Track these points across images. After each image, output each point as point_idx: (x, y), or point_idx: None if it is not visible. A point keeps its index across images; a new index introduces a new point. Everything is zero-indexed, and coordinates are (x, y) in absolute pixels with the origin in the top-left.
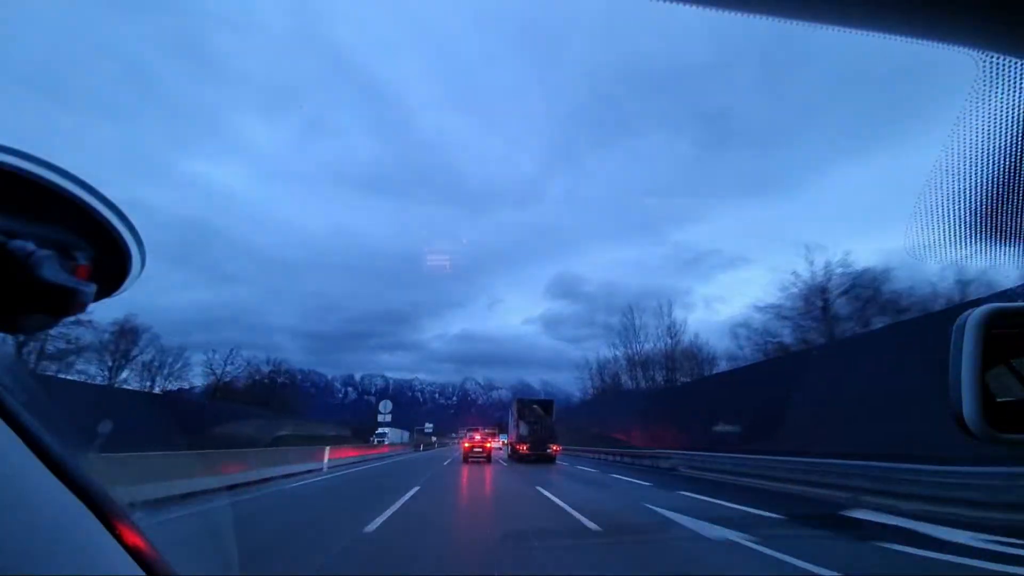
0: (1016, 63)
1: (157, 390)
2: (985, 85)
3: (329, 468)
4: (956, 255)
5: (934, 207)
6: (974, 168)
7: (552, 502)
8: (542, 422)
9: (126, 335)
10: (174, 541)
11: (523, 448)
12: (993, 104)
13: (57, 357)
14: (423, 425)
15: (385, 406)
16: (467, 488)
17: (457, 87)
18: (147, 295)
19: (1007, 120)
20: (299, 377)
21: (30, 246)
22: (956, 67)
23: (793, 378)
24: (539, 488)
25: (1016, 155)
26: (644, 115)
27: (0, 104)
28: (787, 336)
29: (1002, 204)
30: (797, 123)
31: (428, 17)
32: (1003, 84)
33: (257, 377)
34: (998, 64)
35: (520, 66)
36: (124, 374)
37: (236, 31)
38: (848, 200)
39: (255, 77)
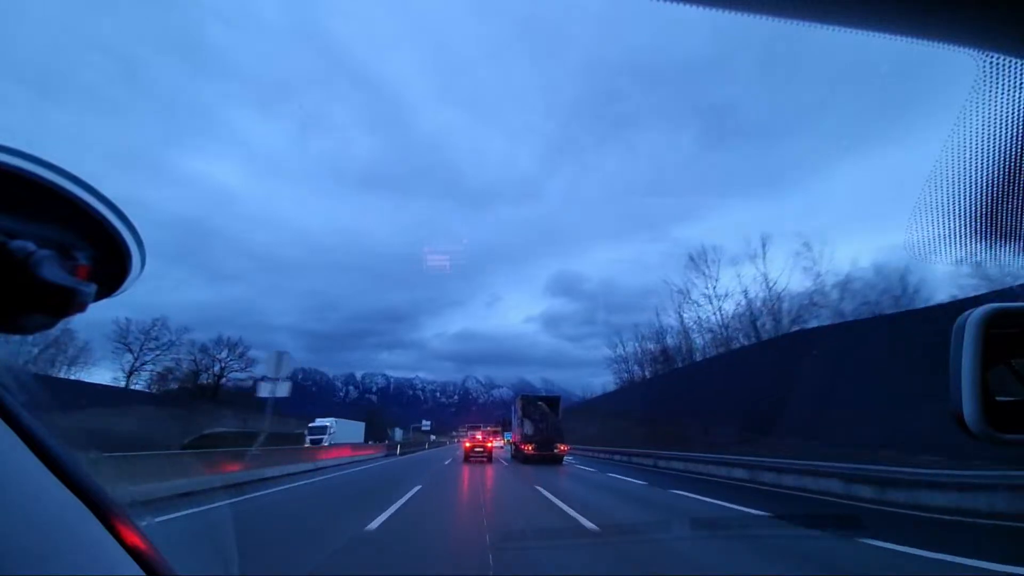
0: (1016, 63)
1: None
2: (985, 85)
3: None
4: (956, 254)
5: (934, 206)
6: (974, 168)
7: None
8: (548, 420)
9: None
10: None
11: (528, 448)
12: (993, 104)
13: None
14: (420, 423)
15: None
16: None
17: (456, 81)
18: (143, 294)
19: (1007, 120)
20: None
21: (30, 246)
22: (956, 67)
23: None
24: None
25: (1016, 155)
26: (645, 110)
27: None
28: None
29: (1002, 204)
30: (796, 120)
31: (426, 10)
32: (1003, 84)
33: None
34: (998, 64)
35: (520, 60)
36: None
37: (231, 25)
38: (848, 198)
39: (251, 72)
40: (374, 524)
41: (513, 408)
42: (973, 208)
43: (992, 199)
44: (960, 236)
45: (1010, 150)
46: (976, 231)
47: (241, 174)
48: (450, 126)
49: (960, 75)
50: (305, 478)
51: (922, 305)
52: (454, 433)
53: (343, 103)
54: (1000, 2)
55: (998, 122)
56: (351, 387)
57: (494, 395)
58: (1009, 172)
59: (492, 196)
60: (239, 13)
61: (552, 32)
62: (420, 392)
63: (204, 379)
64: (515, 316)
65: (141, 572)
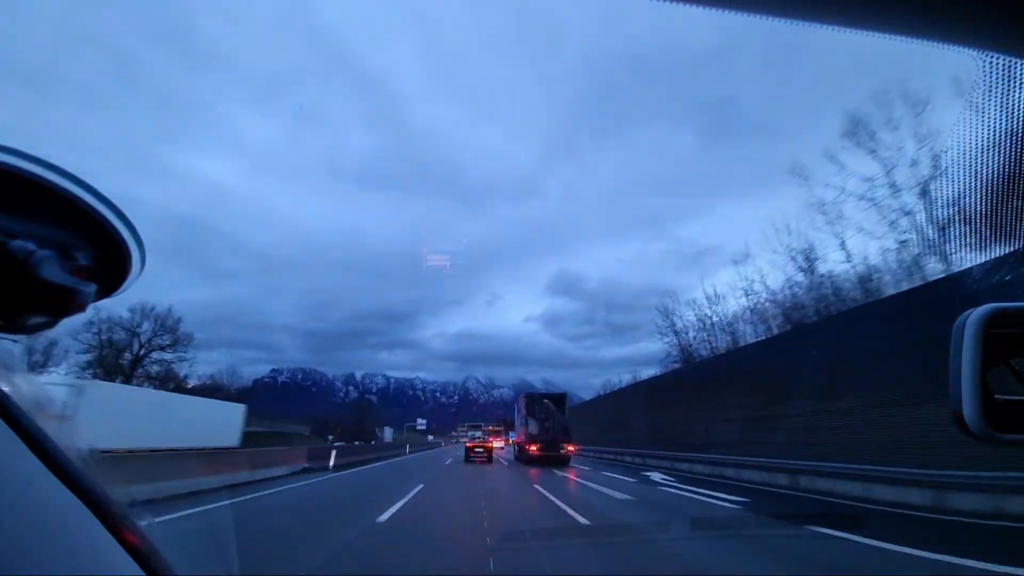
0: (1016, 63)
1: None
2: (985, 85)
3: None
4: (955, 254)
5: (933, 205)
6: (974, 167)
7: None
8: (554, 419)
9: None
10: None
11: (533, 448)
12: (993, 104)
13: None
14: (415, 421)
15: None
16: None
17: (454, 77)
18: (140, 294)
19: (1007, 120)
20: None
21: (30, 246)
22: (956, 67)
23: None
24: None
25: (1016, 155)
26: (645, 105)
27: None
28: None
29: (1002, 204)
30: (796, 118)
31: (423, 3)
32: (1003, 84)
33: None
34: (998, 64)
35: (518, 54)
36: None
37: (226, 18)
38: (848, 197)
39: (247, 67)
40: None
41: (516, 407)
42: (973, 207)
43: (992, 199)
44: (960, 235)
45: (1010, 150)
46: (976, 230)
47: (236, 171)
48: (449, 122)
49: (960, 75)
50: None
51: None
52: (453, 433)
53: (341, 98)
54: (1000, 2)
55: (998, 122)
56: (351, 387)
57: (494, 395)
58: (1009, 172)
59: (492, 194)
60: (235, 6)
61: (552, 26)
62: (420, 392)
63: (125, 359)
64: (515, 316)
65: (141, 572)
